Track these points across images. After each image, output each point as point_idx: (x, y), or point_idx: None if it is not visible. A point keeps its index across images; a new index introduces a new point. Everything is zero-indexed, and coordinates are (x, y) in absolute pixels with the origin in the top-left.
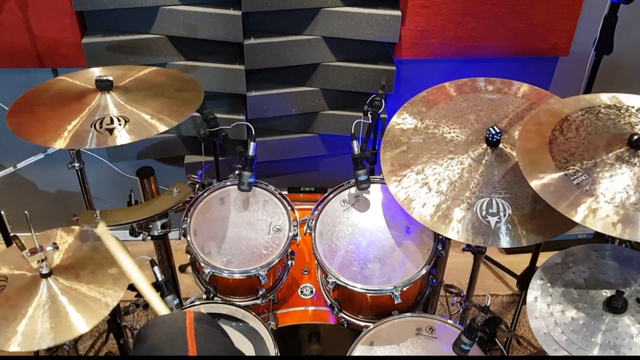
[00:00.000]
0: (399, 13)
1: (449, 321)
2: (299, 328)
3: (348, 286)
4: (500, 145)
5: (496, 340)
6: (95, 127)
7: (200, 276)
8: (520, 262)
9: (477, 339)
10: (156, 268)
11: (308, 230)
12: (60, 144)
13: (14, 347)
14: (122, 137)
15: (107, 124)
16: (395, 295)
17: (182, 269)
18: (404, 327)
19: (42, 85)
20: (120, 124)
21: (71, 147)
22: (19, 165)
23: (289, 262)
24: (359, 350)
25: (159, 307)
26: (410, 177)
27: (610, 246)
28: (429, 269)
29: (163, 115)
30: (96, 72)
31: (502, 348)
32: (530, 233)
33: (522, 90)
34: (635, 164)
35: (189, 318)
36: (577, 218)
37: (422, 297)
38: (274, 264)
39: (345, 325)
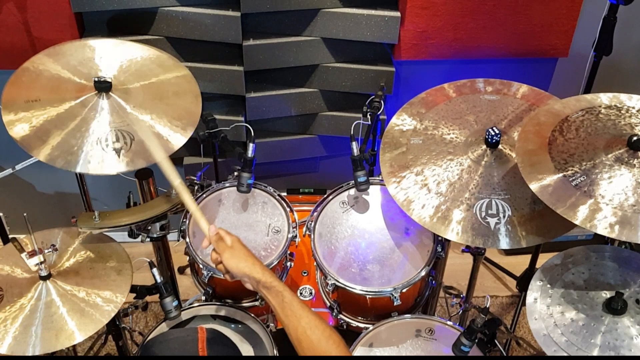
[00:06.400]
0: (398, 14)
1: (449, 322)
2: None
3: (347, 288)
4: (500, 147)
5: (496, 341)
6: (101, 145)
7: (199, 278)
8: (519, 264)
9: (476, 340)
10: (155, 270)
11: (307, 232)
12: (66, 164)
13: (3, 350)
14: (128, 163)
15: (114, 142)
16: (395, 297)
17: (181, 270)
18: (404, 329)
19: (32, 68)
20: (126, 143)
21: (77, 169)
22: (18, 167)
23: (288, 263)
24: (358, 351)
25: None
26: (409, 179)
27: (609, 247)
28: (429, 271)
29: (165, 132)
30: (96, 43)
31: (502, 349)
32: (529, 234)
33: (522, 91)
34: (635, 165)
35: (202, 340)
36: (576, 219)
37: (422, 298)
38: (273, 265)
39: (345, 326)
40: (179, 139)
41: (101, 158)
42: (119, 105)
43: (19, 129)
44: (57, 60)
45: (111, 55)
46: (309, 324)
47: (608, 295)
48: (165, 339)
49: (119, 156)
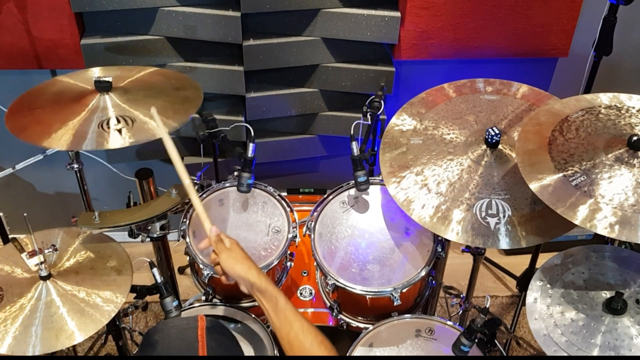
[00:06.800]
0: (398, 14)
1: (449, 322)
2: None
3: (347, 288)
4: (500, 146)
5: (496, 341)
6: (102, 128)
7: (199, 278)
8: (519, 264)
9: (476, 340)
10: (155, 270)
11: (307, 232)
12: (72, 144)
13: (3, 350)
14: (129, 138)
15: (115, 125)
16: (395, 297)
17: (181, 270)
18: (404, 329)
19: (40, 87)
20: (128, 124)
21: (79, 148)
22: (18, 167)
23: (288, 263)
24: (358, 351)
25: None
26: (409, 179)
27: (609, 247)
28: (429, 271)
29: (167, 114)
30: (95, 72)
31: (502, 349)
32: (529, 234)
33: (522, 91)
34: (634, 165)
35: (201, 328)
36: (576, 219)
37: (422, 298)
38: (273, 265)
39: (345, 326)
40: (180, 118)
41: (105, 137)
42: (120, 102)
43: (22, 128)
44: (55, 85)
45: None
46: (302, 329)
47: (608, 295)
48: (165, 326)
49: (121, 134)
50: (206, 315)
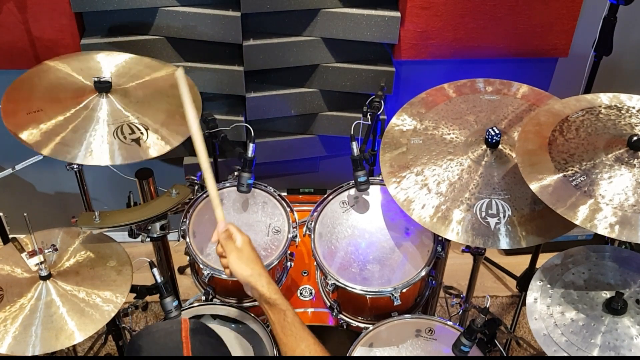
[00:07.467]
0: (398, 14)
1: (449, 322)
2: None
3: (347, 288)
4: (500, 147)
5: (496, 341)
6: (117, 137)
7: (199, 278)
8: (519, 264)
9: (476, 340)
10: (155, 270)
11: (307, 232)
12: (92, 160)
13: (3, 350)
14: (151, 148)
15: (129, 134)
16: (395, 297)
17: (181, 270)
18: (404, 329)
19: (29, 79)
20: (142, 134)
21: (102, 163)
22: (18, 167)
23: (288, 263)
24: (358, 351)
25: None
26: (409, 179)
27: (609, 247)
28: (429, 271)
29: (175, 120)
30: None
31: (502, 349)
32: (529, 234)
33: (522, 91)
34: (635, 165)
35: (185, 329)
36: (576, 219)
37: (422, 298)
38: (273, 265)
39: (345, 326)
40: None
41: (124, 149)
42: (121, 103)
43: (29, 136)
44: (48, 73)
45: (101, 65)
46: (309, 348)
47: (608, 295)
48: (149, 331)
49: (139, 145)
50: (191, 318)
